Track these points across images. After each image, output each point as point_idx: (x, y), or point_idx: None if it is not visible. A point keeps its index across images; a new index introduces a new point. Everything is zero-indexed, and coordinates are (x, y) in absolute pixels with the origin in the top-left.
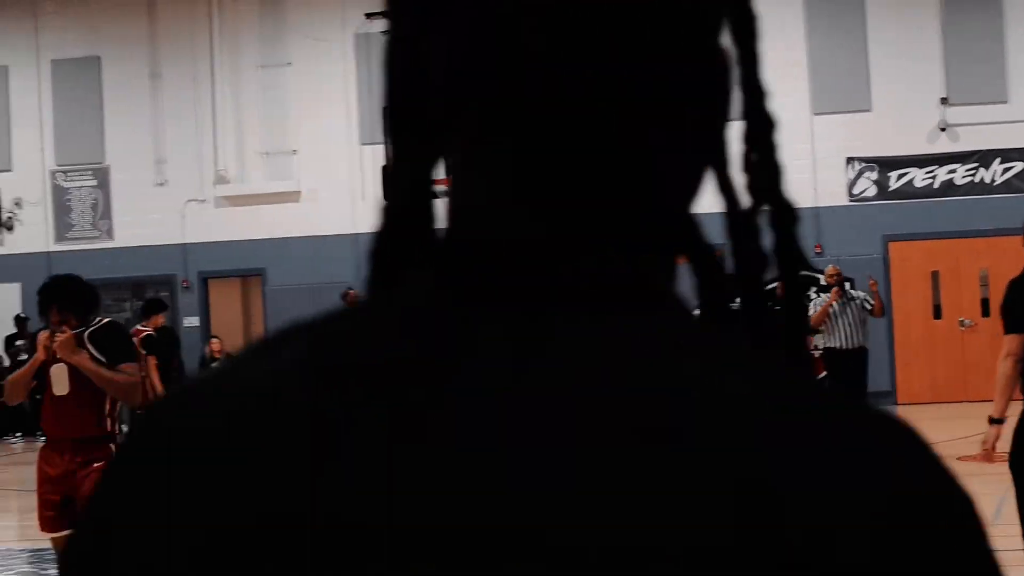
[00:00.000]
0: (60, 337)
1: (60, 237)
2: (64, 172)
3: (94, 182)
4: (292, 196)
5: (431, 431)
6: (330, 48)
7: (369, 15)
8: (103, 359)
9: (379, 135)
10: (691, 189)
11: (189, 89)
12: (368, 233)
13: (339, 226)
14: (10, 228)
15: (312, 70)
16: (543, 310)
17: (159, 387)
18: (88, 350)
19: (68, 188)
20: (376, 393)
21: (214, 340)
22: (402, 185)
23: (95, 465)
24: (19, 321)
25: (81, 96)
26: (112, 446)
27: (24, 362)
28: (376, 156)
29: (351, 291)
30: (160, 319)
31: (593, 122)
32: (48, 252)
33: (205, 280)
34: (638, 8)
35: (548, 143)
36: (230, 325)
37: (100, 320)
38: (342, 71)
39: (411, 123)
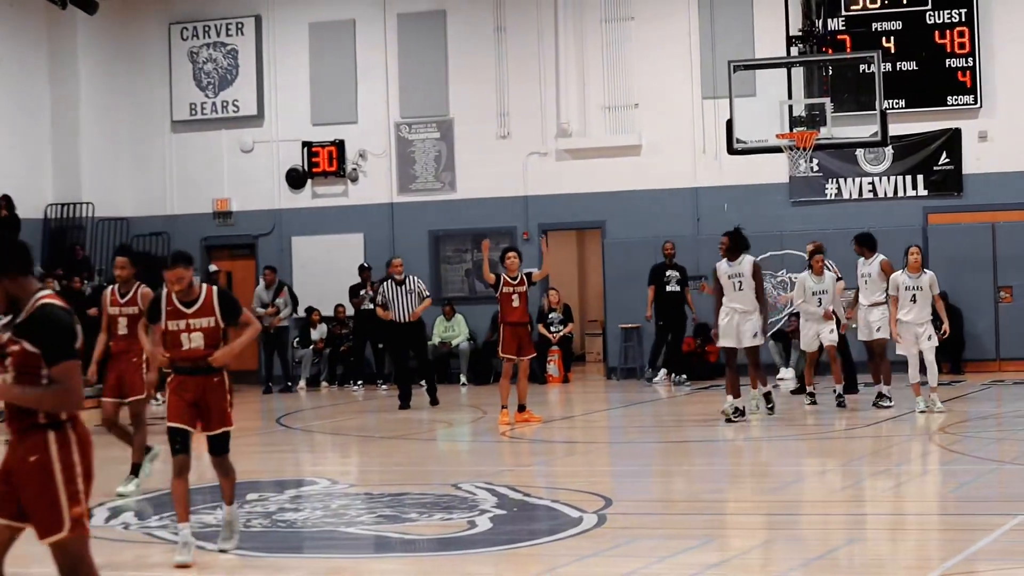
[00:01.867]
0: None
1: (403, 188)
2: (408, 124)
3: (437, 134)
4: (633, 150)
5: None
6: (673, 2)
7: None
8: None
9: (721, 89)
10: None
11: (532, 43)
12: (708, 187)
13: (679, 180)
14: (354, 179)
15: (655, 24)
16: None
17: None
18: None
19: (412, 140)
20: None
21: (552, 291)
22: None
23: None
24: (362, 270)
25: (426, 49)
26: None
27: (366, 311)
28: (718, 110)
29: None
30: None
31: None
32: (391, 203)
33: (545, 232)
34: None
35: None
36: (566, 276)
37: (37, 300)
38: (685, 26)
39: None
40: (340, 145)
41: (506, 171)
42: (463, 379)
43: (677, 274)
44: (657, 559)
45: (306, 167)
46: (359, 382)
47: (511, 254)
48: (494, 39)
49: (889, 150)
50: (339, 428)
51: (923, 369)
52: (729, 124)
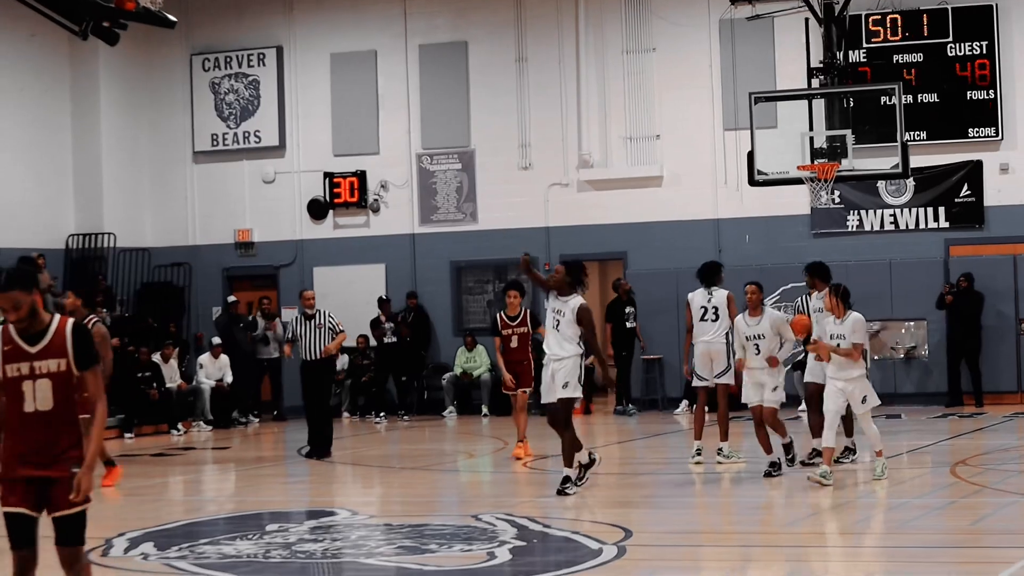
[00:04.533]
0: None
1: (425, 219)
2: (430, 155)
3: (459, 165)
4: (654, 181)
5: None
6: (694, 33)
7: (734, 1)
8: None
9: (742, 121)
10: None
11: (554, 74)
12: (729, 219)
13: (701, 211)
14: (376, 210)
15: (676, 56)
16: None
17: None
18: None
19: (433, 171)
20: None
21: None
22: None
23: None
24: (381, 303)
25: (448, 80)
26: None
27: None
28: (739, 142)
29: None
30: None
31: None
32: (413, 234)
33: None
34: None
35: None
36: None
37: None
38: (706, 57)
39: None
40: (362, 176)
41: (528, 202)
42: (484, 410)
43: (633, 310)
44: None
45: (328, 198)
46: (381, 413)
47: (513, 292)
48: (516, 70)
49: (910, 182)
50: (360, 459)
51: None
52: (750, 155)
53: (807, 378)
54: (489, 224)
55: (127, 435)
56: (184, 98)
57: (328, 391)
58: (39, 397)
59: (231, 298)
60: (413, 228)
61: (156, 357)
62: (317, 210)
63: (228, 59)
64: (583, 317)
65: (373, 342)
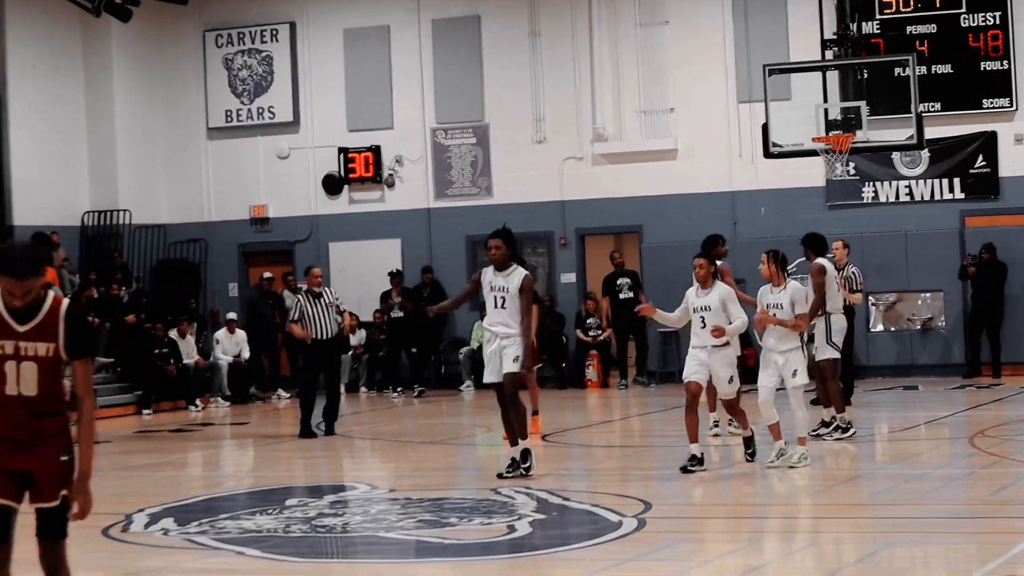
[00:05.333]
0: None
1: (440, 194)
2: (444, 130)
3: (473, 140)
4: (669, 154)
5: None
6: (707, 6)
7: None
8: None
9: (756, 93)
10: None
11: (567, 48)
12: (744, 191)
13: (716, 184)
14: (391, 185)
15: (689, 28)
16: None
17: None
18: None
19: (448, 146)
20: None
21: (590, 300)
22: None
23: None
24: (392, 276)
25: (461, 55)
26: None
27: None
28: (753, 114)
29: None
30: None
31: None
32: (428, 208)
33: (582, 237)
34: None
35: None
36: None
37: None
38: (719, 29)
39: None
40: (376, 151)
41: (542, 176)
42: None
43: (628, 280)
44: (697, 563)
45: (342, 173)
46: (398, 388)
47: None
48: (529, 44)
49: (925, 153)
50: (378, 433)
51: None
52: (765, 128)
53: (819, 356)
54: (504, 198)
55: (145, 411)
56: (198, 74)
57: (340, 368)
58: (23, 381)
59: (267, 274)
60: (428, 203)
61: (173, 333)
62: (332, 185)
63: (241, 35)
64: (526, 285)
65: (398, 313)
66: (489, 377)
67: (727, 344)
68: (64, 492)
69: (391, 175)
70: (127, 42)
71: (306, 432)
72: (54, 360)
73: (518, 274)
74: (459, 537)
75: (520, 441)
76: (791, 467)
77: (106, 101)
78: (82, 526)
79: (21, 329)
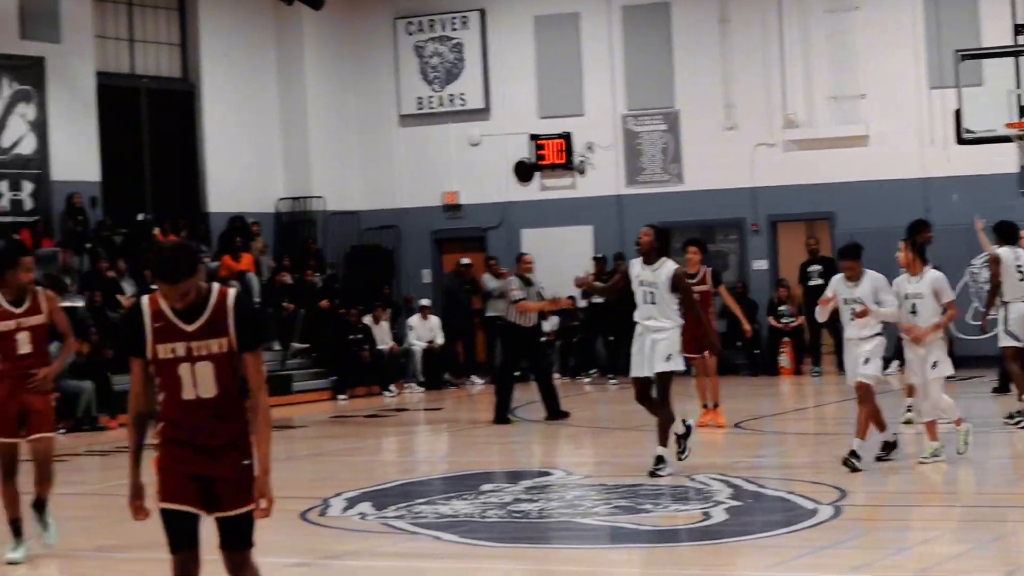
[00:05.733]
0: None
1: (631, 181)
2: (635, 116)
3: (664, 126)
4: (860, 140)
5: None
6: None
7: None
8: None
9: (948, 78)
10: None
11: (757, 34)
12: (937, 178)
13: (908, 170)
14: (582, 172)
15: (880, 14)
16: None
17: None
18: None
19: (639, 132)
20: None
21: (783, 288)
22: None
23: None
24: (596, 261)
25: (651, 42)
26: None
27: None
28: (945, 100)
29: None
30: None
31: None
32: (619, 195)
33: (774, 224)
34: None
35: None
36: (797, 268)
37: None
38: (910, 15)
39: None
40: (567, 137)
41: (733, 162)
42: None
43: (820, 267)
44: (894, 551)
45: (534, 159)
46: (592, 370)
47: (692, 248)
48: (719, 31)
49: None
50: (571, 419)
51: None
52: (957, 114)
53: (999, 344)
54: (695, 185)
55: (340, 396)
56: (389, 62)
57: (545, 353)
58: (200, 383)
59: (464, 260)
60: (619, 189)
61: (367, 319)
62: (523, 172)
63: (432, 22)
64: (678, 283)
65: (581, 303)
66: (636, 371)
67: (878, 335)
68: (247, 501)
69: (582, 162)
70: (319, 30)
71: (501, 418)
72: (228, 356)
73: (666, 269)
74: (655, 523)
75: (658, 447)
76: (920, 461)
77: (299, 89)
78: (280, 510)
79: (190, 328)
